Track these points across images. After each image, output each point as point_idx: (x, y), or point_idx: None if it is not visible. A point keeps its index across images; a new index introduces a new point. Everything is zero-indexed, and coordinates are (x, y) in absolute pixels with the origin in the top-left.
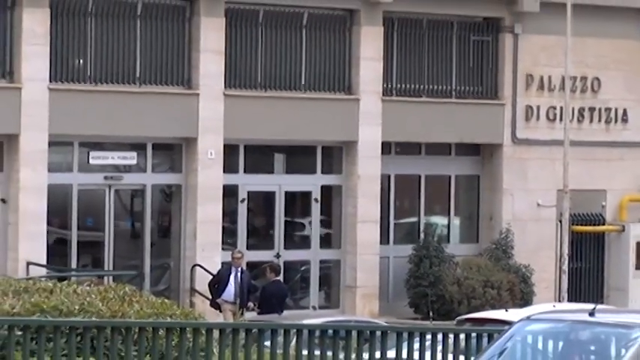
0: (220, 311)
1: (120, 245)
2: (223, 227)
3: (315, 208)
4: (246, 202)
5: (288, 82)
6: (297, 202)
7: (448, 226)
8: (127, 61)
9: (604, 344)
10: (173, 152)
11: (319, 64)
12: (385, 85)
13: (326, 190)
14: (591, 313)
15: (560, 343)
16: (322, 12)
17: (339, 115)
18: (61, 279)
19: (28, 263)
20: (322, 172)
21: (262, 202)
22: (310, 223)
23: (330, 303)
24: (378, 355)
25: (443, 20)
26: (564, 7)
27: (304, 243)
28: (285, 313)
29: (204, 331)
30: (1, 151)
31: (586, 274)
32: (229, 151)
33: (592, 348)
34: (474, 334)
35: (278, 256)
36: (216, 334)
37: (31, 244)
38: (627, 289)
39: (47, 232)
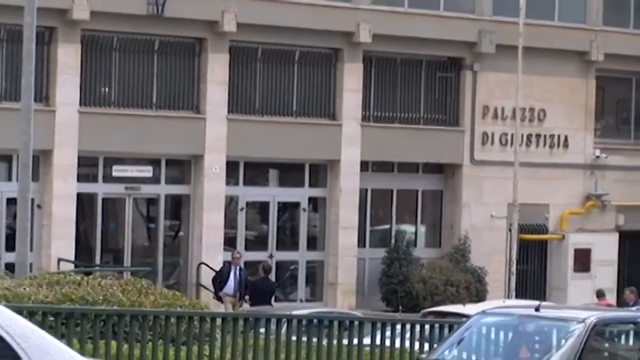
0: (222, 303)
1: (137, 245)
2: (225, 231)
3: (304, 216)
4: (244, 210)
5: (281, 109)
6: (288, 211)
7: (415, 233)
8: (145, 89)
9: (547, 335)
10: (183, 167)
11: (308, 94)
12: (364, 113)
13: (313, 201)
14: (537, 309)
15: (510, 334)
16: (311, 50)
17: (324, 137)
18: (87, 273)
19: (59, 259)
20: (310, 186)
21: (258, 210)
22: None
23: (314, 297)
24: (355, 341)
25: (413, 59)
26: (516, 49)
27: (294, 245)
28: (277, 305)
29: (209, 320)
30: (38, 164)
31: (531, 275)
32: (231, 166)
33: (537, 338)
34: (436, 325)
35: (271, 256)
36: (218, 322)
37: (62, 243)
38: (567, 289)
39: (75, 233)
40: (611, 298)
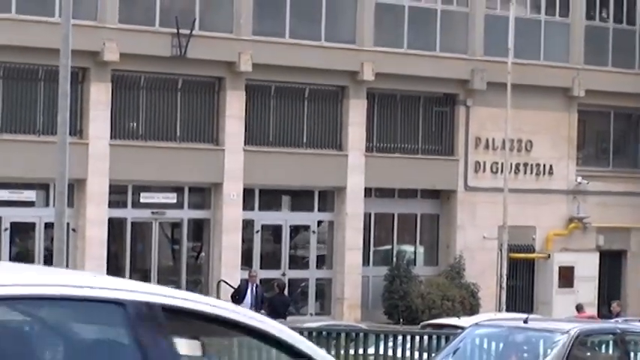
0: None
1: (163, 265)
2: (242, 252)
3: (313, 238)
4: (260, 232)
5: (293, 141)
6: (300, 233)
7: (414, 253)
8: (169, 124)
9: (534, 345)
10: (204, 194)
11: (317, 127)
12: (367, 144)
13: (321, 225)
14: (525, 321)
15: (501, 344)
16: (320, 87)
17: (331, 166)
18: None
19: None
20: (318, 210)
21: (272, 233)
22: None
23: (323, 311)
24: (361, 351)
25: (412, 95)
26: (505, 86)
27: (304, 264)
28: (289, 318)
29: None
30: (72, 191)
31: (520, 291)
32: (247, 193)
33: (525, 348)
34: (434, 336)
35: (284, 274)
36: None
37: (95, 263)
38: (552, 303)
39: (106, 254)
40: (592, 310)
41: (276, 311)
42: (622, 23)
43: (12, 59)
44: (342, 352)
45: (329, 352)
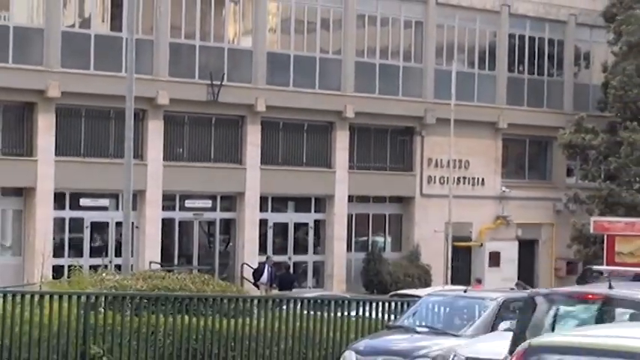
0: (258, 289)
1: (201, 252)
2: (259, 242)
3: (311, 232)
4: (272, 228)
5: (296, 162)
6: (301, 228)
7: (384, 242)
8: (206, 149)
9: (472, 309)
10: (231, 200)
11: (313, 151)
12: (350, 163)
13: (316, 222)
14: (465, 291)
15: (448, 308)
16: (314, 123)
17: (324, 180)
18: (168, 271)
19: (150, 262)
20: (314, 212)
21: (281, 228)
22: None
23: (318, 285)
24: (345, 314)
25: (382, 128)
26: (449, 121)
27: (304, 251)
28: (294, 290)
29: (249, 301)
30: (136, 199)
31: (461, 270)
32: (263, 199)
33: (465, 311)
34: (399, 303)
35: (290, 258)
36: (256, 302)
37: (152, 252)
38: (484, 279)
39: (160, 245)
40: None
41: (284, 285)
42: (534, 75)
43: (91, 103)
44: (332, 314)
45: (322, 315)
